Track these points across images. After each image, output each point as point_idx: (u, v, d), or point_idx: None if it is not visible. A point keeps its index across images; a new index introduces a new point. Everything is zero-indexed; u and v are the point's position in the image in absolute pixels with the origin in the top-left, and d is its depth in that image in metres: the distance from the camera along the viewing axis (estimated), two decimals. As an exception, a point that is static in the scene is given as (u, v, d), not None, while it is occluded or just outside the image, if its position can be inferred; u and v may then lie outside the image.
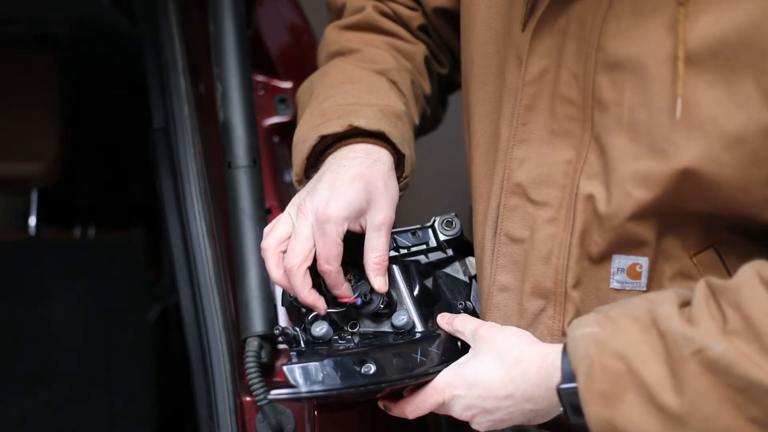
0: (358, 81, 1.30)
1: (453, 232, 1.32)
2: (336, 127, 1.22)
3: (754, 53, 1.01)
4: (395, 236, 1.29)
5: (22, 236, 2.53)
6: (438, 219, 1.32)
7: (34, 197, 2.54)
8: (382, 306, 1.21)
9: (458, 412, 1.15)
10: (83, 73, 2.52)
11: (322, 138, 1.22)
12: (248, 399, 1.32)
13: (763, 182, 1.04)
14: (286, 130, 1.50)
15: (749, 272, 0.99)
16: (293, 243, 1.18)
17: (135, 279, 2.40)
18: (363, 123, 1.21)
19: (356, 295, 1.20)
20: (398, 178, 1.25)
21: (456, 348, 1.19)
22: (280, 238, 1.19)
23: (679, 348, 0.98)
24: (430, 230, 1.32)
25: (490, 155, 1.21)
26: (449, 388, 1.14)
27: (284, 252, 1.19)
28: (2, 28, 2.45)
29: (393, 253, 1.27)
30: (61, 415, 2.24)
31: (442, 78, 1.45)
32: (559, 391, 1.06)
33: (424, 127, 1.44)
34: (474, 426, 1.15)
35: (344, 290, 1.20)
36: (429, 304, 1.25)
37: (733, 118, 1.02)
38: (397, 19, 1.41)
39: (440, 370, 1.16)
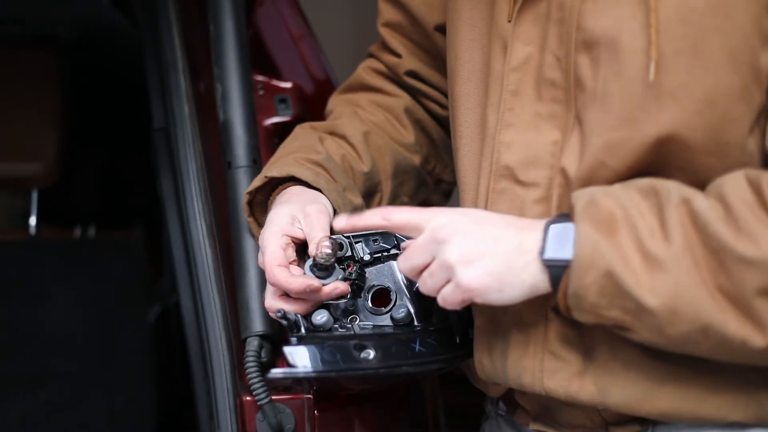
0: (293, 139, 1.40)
1: None
2: (257, 182, 1.32)
3: (720, 17, 1.05)
4: (397, 233, 1.29)
5: (22, 236, 2.52)
6: None
7: (34, 197, 2.53)
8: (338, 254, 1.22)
9: (454, 252, 1.08)
10: (83, 73, 2.52)
11: (250, 193, 1.33)
12: (248, 398, 1.32)
13: (737, 147, 1.07)
14: (287, 130, 1.49)
15: (737, 172, 1.05)
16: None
17: (135, 279, 2.40)
18: (275, 172, 1.30)
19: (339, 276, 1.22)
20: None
21: (453, 341, 1.20)
22: None
23: (670, 197, 1.04)
24: None
25: (476, 144, 1.23)
26: (439, 219, 1.11)
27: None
28: (2, 28, 2.45)
29: (394, 251, 1.28)
30: (61, 416, 2.24)
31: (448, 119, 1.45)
32: (548, 224, 1.07)
33: (435, 171, 1.47)
34: (461, 275, 1.08)
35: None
36: (428, 301, 1.25)
37: (701, 83, 1.06)
38: (386, 70, 1.47)
39: (438, 360, 1.17)
